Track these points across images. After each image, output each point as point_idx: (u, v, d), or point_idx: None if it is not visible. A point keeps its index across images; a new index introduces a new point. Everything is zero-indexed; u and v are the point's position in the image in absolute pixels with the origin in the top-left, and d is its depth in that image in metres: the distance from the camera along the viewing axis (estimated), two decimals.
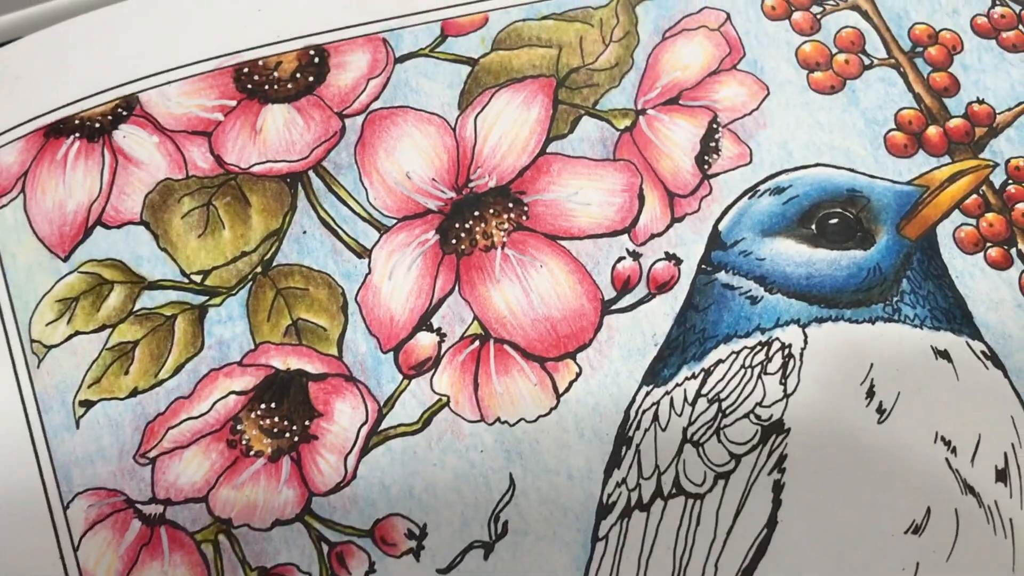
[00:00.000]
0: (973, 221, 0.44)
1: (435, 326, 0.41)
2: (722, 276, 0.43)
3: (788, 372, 0.41)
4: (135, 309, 0.42)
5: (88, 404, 0.41)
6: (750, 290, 0.43)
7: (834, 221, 0.43)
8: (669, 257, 0.43)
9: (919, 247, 0.43)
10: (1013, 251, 0.44)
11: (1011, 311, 0.43)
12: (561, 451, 0.41)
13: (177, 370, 0.41)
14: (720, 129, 0.45)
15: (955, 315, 0.43)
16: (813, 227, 0.43)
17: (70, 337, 0.42)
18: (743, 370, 0.41)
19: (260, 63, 0.45)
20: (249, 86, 0.44)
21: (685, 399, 0.41)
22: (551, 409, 0.41)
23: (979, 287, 0.43)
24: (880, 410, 0.41)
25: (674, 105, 0.45)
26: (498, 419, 0.40)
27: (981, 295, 0.43)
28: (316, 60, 0.45)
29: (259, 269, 0.42)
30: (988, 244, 0.44)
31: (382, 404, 0.40)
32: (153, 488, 0.40)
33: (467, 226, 0.42)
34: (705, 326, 0.42)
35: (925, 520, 0.40)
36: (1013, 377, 0.42)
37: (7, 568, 0.38)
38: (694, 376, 0.41)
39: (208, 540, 0.39)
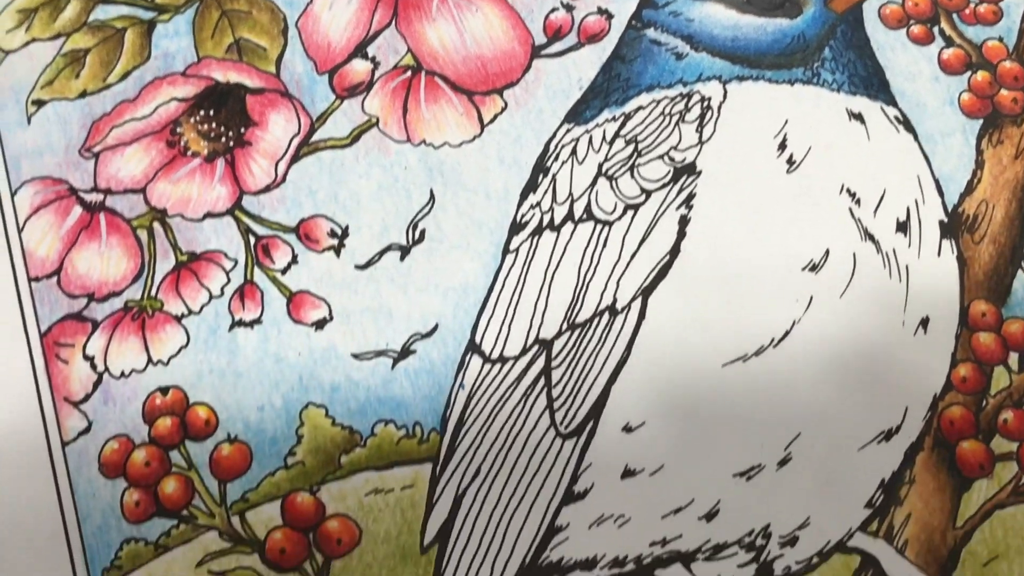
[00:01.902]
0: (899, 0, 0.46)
1: (370, 55, 0.44)
2: (651, 32, 0.45)
3: (705, 121, 0.44)
4: (89, 20, 0.44)
5: (40, 103, 0.44)
6: (676, 47, 0.45)
7: None
8: (601, 12, 0.45)
9: (844, 20, 0.45)
10: (935, 29, 0.46)
11: (928, 83, 0.45)
12: (481, 173, 0.43)
13: (124, 76, 0.44)
14: None
15: (873, 83, 0.45)
16: None
17: (27, 43, 0.45)
18: (662, 117, 0.44)
19: None
20: None
21: (604, 138, 0.43)
22: (475, 136, 0.43)
23: (899, 59, 0.45)
24: (790, 161, 0.43)
25: None
26: (424, 141, 0.43)
27: (900, 67, 0.45)
28: None
29: None
30: (912, 21, 0.46)
31: (314, 119, 0.43)
32: (95, 179, 0.43)
33: None
34: (630, 76, 0.45)
35: (823, 260, 0.42)
36: (923, 141, 0.44)
37: None
38: (614, 119, 0.44)
39: (143, 226, 0.42)
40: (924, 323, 0.41)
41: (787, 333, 0.40)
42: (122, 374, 0.40)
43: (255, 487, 0.39)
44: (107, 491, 0.39)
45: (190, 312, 0.41)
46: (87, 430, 0.40)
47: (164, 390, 0.40)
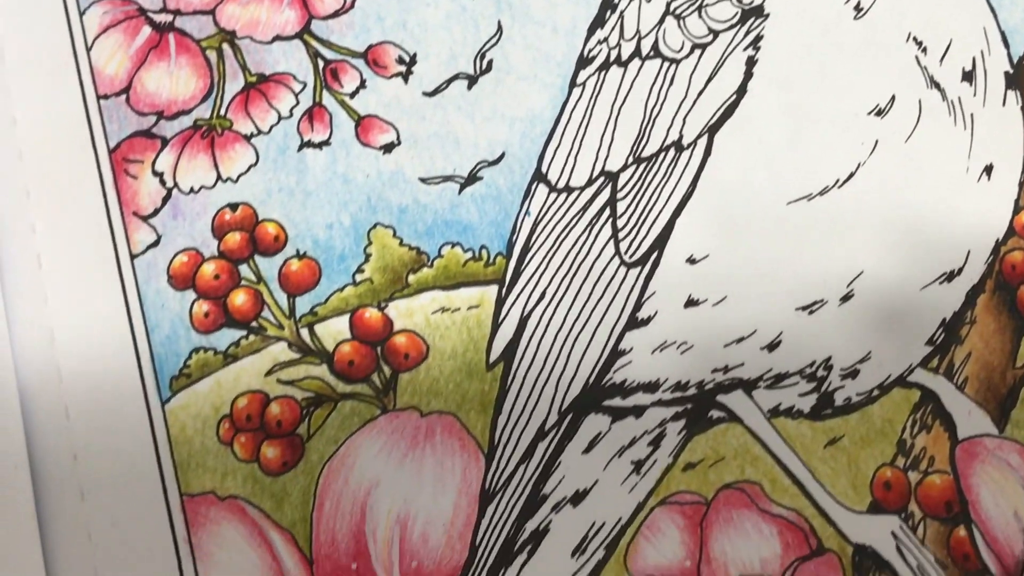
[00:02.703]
0: None
1: None
2: None
3: None
4: None
5: None
6: None
7: None
8: None
9: None
10: None
11: None
12: (548, 7, 0.43)
13: None
14: None
15: None
16: None
17: None
18: None
19: None
20: None
21: None
22: None
23: None
24: (858, 8, 0.43)
25: None
26: None
27: None
28: None
29: None
30: None
31: None
32: (164, 0, 0.42)
33: None
34: None
35: (889, 106, 0.42)
36: None
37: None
38: None
39: (212, 47, 0.42)
40: (988, 170, 0.41)
41: (851, 175, 0.40)
42: (191, 190, 0.40)
43: (324, 302, 0.39)
44: (176, 302, 0.39)
45: (259, 132, 0.41)
46: (156, 243, 0.40)
47: (233, 206, 0.40)
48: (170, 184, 0.40)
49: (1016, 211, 0.41)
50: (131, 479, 0.36)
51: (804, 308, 0.39)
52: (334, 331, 0.39)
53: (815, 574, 0.36)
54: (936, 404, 0.38)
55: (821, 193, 0.40)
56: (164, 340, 0.38)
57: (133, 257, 0.40)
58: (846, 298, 0.39)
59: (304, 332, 0.39)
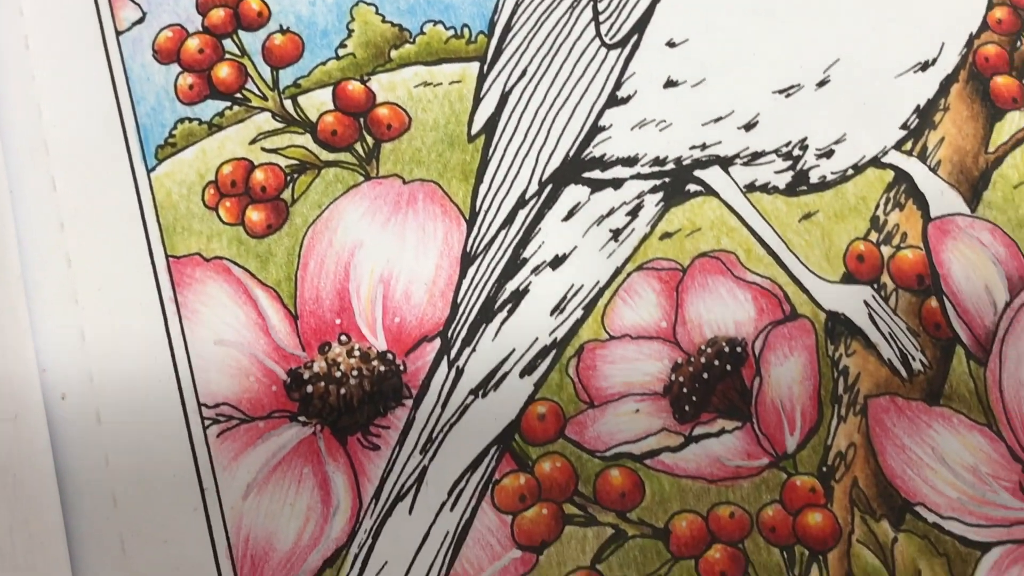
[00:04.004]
0: None
1: None
2: None
3: None
4: None
5: None
6: None
7: None
8: None
9: None
10: None
11: None
12: None
13: None
14: None
15: None
16: None
17: None
18: None
19: None
20: None
21: None
22: None
23: None
24: None
25: None
26: None
27: None
28: None
29: None
30: None
31: None
32: None
33: None
34: None
35: None
36: None
37: None
38: None
39: None
40: None
41: None
42: None
43: (307, 74, 0.40)
44: (161, 76, 0.40)
45: None
46: (141, 20, 0.40)
47: None
48: None
49: (990, 7, 0.41)
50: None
51: (781, 91, 0.40)
52: (317, 102, 0.39)
53: (788, 337, 0.37)
54: (909, 184, 0.39)
55: None
56: (149, 111, 0.39)
57: (119, 34, 0.40)
58: (822, 83, 0.40)
59: (288, 103, 0.39)
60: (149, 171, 0.38)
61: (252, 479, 0.35)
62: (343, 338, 0.36)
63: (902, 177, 0.39)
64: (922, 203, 0.39)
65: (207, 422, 0.35)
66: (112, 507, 0.34)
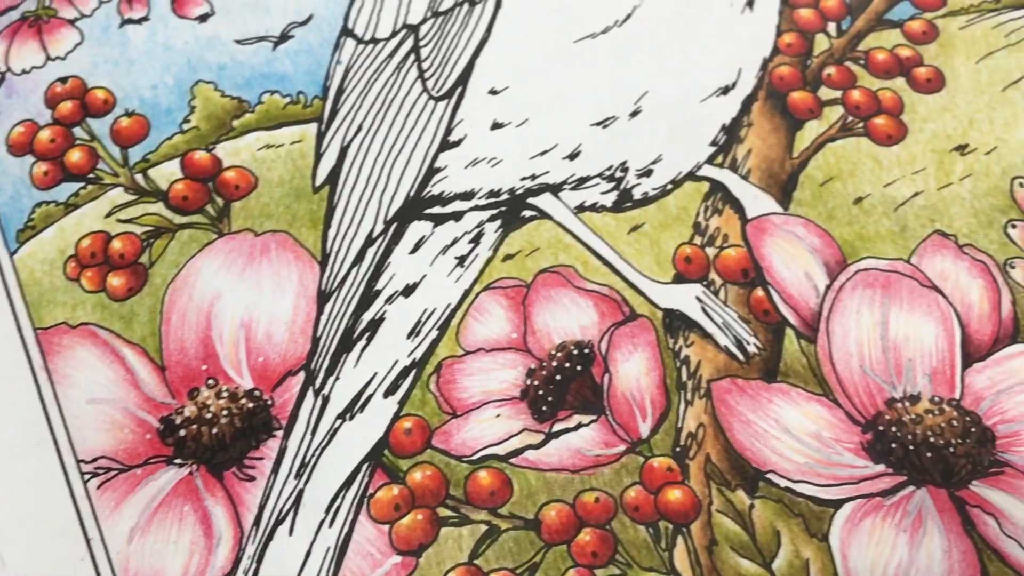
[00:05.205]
0: None
1: None
2: None
3: None
4: None
5: None
6: None
7: None
8: None
9: None
10: None
11: None
12: None
13: None
14: None
15: None
16: None
17: None
18: None
19: None
20: None
21: None
22: None
23: None
24: None
25: None
26: None
27: None
28: None
29: None
30: None
31: None
32: None
33: None
34: None
35: None
36: None
37: None
38: None
39: None
40: (750, 3, 0.47)
41: (628, 16, 0.46)
42: (23, 71, 0.44)
43: (155, 149, 0.43)
44: (16, 167, 0.42)
45: (82, 16, 0.45)
46: None
47: (64, 79, 0.44)
48: (3, 68, 0.43)
49: (779, 34, 0.46)
50: None
51: (598, 123, 0.44)
52: (167, 173, 0.42)
53: (631, 336, 0.40)
54: (725, 192, 0.43)
55: (603, 32, 0.45)
56: (8, 201, 0.41)
57: None
58: (635, 113, 0.44)
59: (139, 177, 0.42)
60: (12, 254, 0.40)
61: (135, 523, 0.36)
62: (211, 382, 0.38)
63: (717, 187, 0.43)
64: (738, 207, 0.42)
65: (87, 476, 0.37)
66: (2, 569, 0.35)
